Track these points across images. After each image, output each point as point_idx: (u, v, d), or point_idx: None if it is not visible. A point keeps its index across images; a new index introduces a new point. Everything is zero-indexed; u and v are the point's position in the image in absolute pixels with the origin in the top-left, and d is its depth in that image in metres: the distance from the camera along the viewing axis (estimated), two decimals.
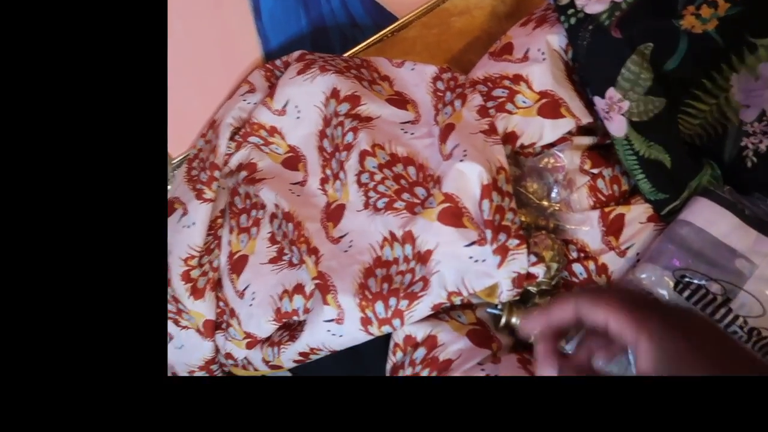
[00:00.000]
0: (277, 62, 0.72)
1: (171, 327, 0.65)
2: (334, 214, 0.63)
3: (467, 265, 0.54)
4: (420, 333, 0.57)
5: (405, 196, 0.60)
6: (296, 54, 0.71)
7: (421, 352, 0.56)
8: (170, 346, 0.65)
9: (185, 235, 0.64)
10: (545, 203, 0.61)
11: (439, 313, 0.58)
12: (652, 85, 0.56)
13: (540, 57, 0.60)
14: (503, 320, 0.57)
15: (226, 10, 0.69)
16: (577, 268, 0.59)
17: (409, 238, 0.57)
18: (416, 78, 0.68)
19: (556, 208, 0.61)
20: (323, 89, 0.66)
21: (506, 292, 0.54)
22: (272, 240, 0.64)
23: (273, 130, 0.68)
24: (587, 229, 0.60)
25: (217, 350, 0.64)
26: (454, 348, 0.55)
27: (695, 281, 0.53)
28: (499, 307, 0.58)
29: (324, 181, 0.66)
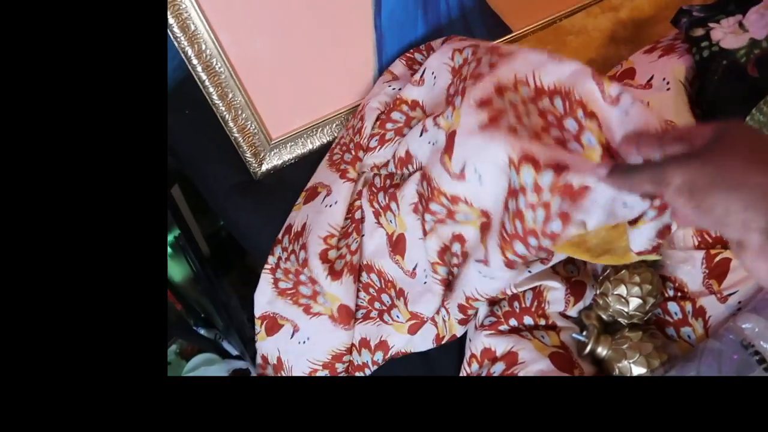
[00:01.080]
0: (417, 54, 0.72)
1: (299, 316, 0.64)
2: (397, 246, 0.63)
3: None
4: (500, 347, 0.56)
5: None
6: (439, 41, 0.70)
7: (499, 367, 0.55)
8: (293, 342, 0.64)
9: (326, 214, 0.65)
10: None
11: (522, 331, 0.57)
12: None
13: (664, 86, 0.59)
14: (588, 347, 0.56)
15: (351, 2, 0.71)
16: (672, 306, 0.57)
17: None
18: None
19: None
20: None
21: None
22: (416, 209, 0.59)
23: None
24: (689, 269, 0.57)
25: (351, 344, 0.63)
26: (535, 368, 0.54)
27: None
28: (585, 334, 0.56)
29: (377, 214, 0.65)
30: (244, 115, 0.73)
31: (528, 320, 0.57)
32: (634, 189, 0.42)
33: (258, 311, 0.69)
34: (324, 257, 0.63)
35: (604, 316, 0.57)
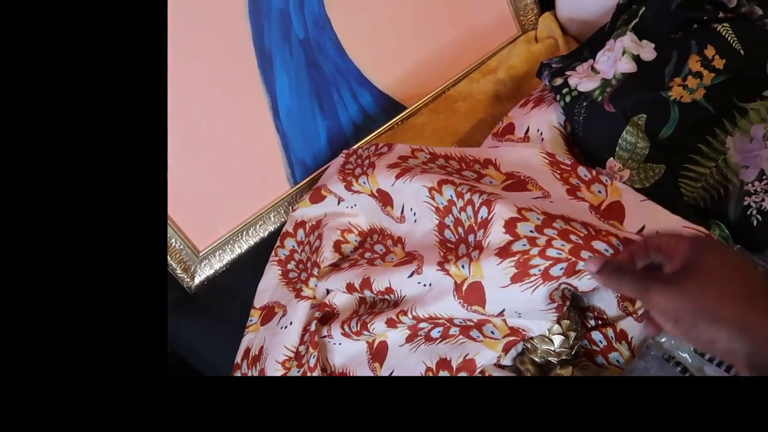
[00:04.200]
0: (348, 165, 0.72)
1: None
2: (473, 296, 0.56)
3: None
4: None
5: (585, 254, 0.52)
6: (340, 159, 0.73)
7: None
8: None
9: (282, 336, 0.64)
10: None
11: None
12: (650, 152, 0.59)
13: (539, 137, 0.64)
14: None
15: (249, 112, 0.76)
16: (596, 335, 0.59)
17: None
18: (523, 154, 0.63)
19: None
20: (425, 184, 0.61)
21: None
22: (392, 325, 0.60)
23: (398, 240, 0.66)
24: (603, 296, 0.60)
25: None
26: None
27: None
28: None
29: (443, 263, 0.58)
30: (167, 234, 0.75)
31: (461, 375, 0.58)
32: (619, 291, 0.47)
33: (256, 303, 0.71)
34: (285, 366, 0.63)
35: (536, 359, 0.59)
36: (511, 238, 0.54)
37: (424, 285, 0.58)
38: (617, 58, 0.62)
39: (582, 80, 0.63)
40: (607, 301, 0.60)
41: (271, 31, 0.74)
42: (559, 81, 0.64)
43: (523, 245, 0.53)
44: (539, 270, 0.53)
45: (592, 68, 0.64)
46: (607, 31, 0.68)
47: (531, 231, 0.53)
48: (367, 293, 0.63)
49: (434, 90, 0.84)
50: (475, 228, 0.57)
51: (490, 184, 0.62)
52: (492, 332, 0.57)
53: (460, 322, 0.59)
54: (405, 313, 0.58)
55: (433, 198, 0.61)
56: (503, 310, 0.55)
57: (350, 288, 0.63)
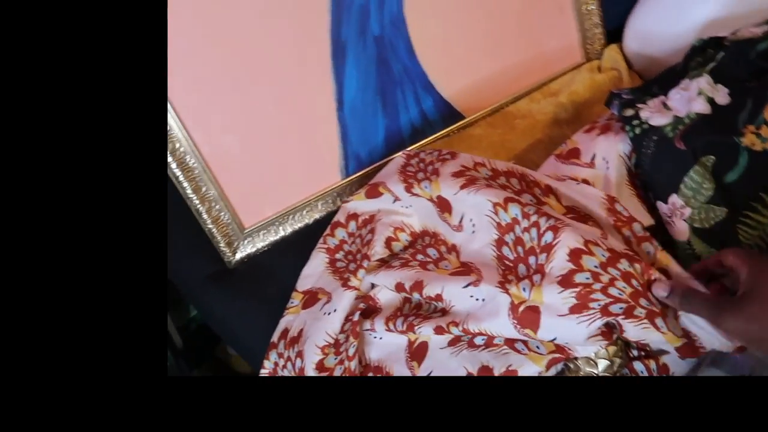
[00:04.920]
0: (409, 167, 0.72)
1: None
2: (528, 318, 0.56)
3: None
4: None
5: (643, 302, 0.53)
6: (400, 159, 0.73)
7: None
8: None
9: (324, 321, 0.65)
10: None
11: None
12: (714, 194, 0.60)
13: (605, 165, 0.65)
14: None
15: (315, 100, 0.77)
16: (638, 366, 0.60)
17: None
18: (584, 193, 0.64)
19: None
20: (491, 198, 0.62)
21: None
22: (440, 332, 0.61)
23: (453, 248, 0.67)
24: None
25: None
26: None
27: None
28: None
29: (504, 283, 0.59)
30: (217, 206, 0.76)
31: None
32: (691, 312, 0.52)
33: (299, 286, 0.71)
34: (321, 367, 0.63)
35: None
36: (575, 268, 0.54)
37: (477, 299, 0.59)
38: (692, 98, 0.63)
39: (653, 115, 0.64)
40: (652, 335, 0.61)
41: (349, 24, 0.76)
42: (629, 112, 0.65)
43: (586, 278, 0.54)
44: (599, 305, 0.53)
45: (664, 104, 0.65)
46: (679, 71, 0.69)
47: (595, 266, 0.54)
48: (415, 296, 0.63)
49: (494, 104, 0.86)
50: (537, 251, 0.58)
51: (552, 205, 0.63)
52: (537, 347, 0.58)
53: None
54: (456, 324, 0.59)
55: (496, 213, 0.62)
56: (554, 338, 0.56)
57: (399, 288, 0.64)
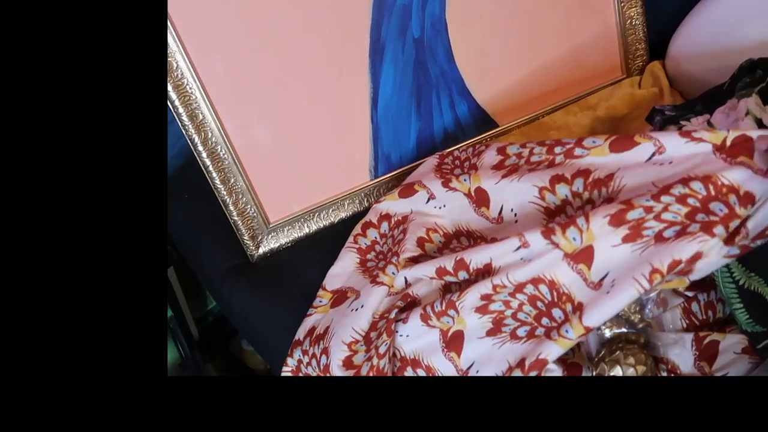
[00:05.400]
0: (444, 166, 0.72)
1: None
2: (582, 254, 0.55)
3: None
4: None
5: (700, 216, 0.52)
6: (434, 160, 0.73)
7: None
8: None
9: (351, 318, 0.64)
10: (636, 317, 0.61)
11: None
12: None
13: None
14: None
15: (349, 98, 0.76)
16: None
17: None
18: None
19: (649, 324, 0.60)
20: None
21: None
22: (482, 310, 0.60)
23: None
24: (679, 351, 0.59)
25: None
26: None
27: None
28: None
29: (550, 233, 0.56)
30: (244, 199, 0.76)
31: None
32: None
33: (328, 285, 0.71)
34: (348, 364, 0.62)
35: None
36: (624, 207, 0.53)
37: (529, 261, 0.57)
38: (739, 118, 0.61)
39: (699, 130, 0.62)
40: (683, 357, 0.59)
41: (390, 24, 0.75)
42: (673, 129, 0.64)
43: (639, 214, 0.53)
44: (652, 232, 0.52)
45: (708, 122, 0.63)
46: (725, 90, 0.67)
47: (647, 200, 0.53)
48: (462, 275, 0.61)
49: (529, 114, 0.84)
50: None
51: (594, 144, 0.60)
52: (567, 331, 0.56)
53: (545, 311, 0.58)
54: (503, 287, 0.57)
55: (543, 198, 0.60)
56: (606, 274, 0.54)
57: (440, 272, 0.62)
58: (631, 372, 0.56)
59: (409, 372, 0.63)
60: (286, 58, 0.72)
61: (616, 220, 0.53)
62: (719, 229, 0.51)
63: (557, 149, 0.63)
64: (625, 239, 0.53)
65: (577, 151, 0.62)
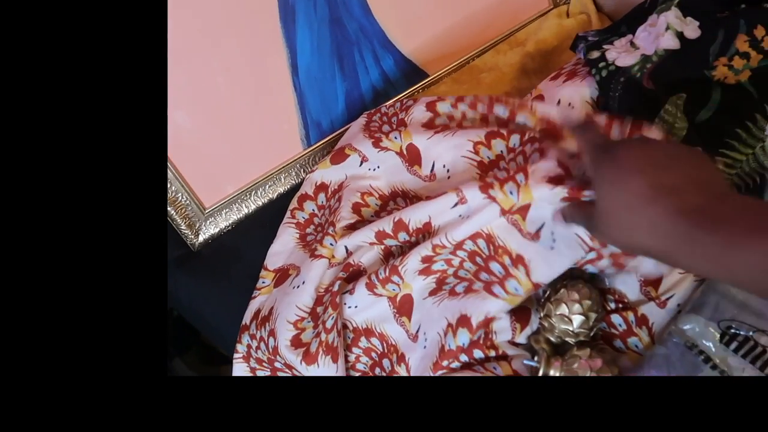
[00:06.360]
0: (373, 123, 0.70)
1: None
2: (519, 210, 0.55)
3: None
4: None
5: None
6: (362, 120, 0.71)
7: None
8: None
9: (293, 296, 0.62)
10: None
11: (473, 365, 0.57)
12: (687, 134, 0.56)
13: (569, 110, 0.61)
14: (541, 371, 0.55)
15: (267, 68, 0.73)
16: (615, 319, 0.57)
17: None
18: None
19: None
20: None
21: None
22: (425, 272, 0.59)
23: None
24: (625, 279, 0.58)
25: None
26: None
27: (742, 332, 0.51)
28: (536, 359, 0.56)
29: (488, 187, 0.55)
30: (173, 188, 0.73)
31: (478, 353, 0.56)
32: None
33: (269, 264, 0.69)
34: (296, 342, 0.60)
35: (552, 338, 0.57)
36: (564, 172, 0.51)
37: (468, 217, 0.56)
38: (660, 34, 0.59)
39: (620, 55, 0.60)
40: (629, 285, 0.58)
41: None
42: (595, 54, 0.62)
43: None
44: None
45: (631, 43, 0.61)
46: (647, 7, 0.65)
47: None
48: (402, 236, 0.60)
49: (459, 59, 0.81)
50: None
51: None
52: (515, 289, 0.55)
53: (484, 267, 0.57)
54: (442, 247, 0.56)
55: (477, 152, 0.59)
56: (542, 225, 0.53)
57: (380, 236, 0.60)
58: (576, 308, 0.55)
59: (363, 342, 0.62)
60: (191, 34, 0.67)
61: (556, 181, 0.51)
62: None
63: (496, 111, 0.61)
64: (565, 200, 0.51)
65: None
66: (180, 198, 0.73)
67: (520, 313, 0.58)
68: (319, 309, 0.62)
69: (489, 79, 0.78)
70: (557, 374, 0.55)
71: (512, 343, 0.58)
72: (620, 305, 0.58)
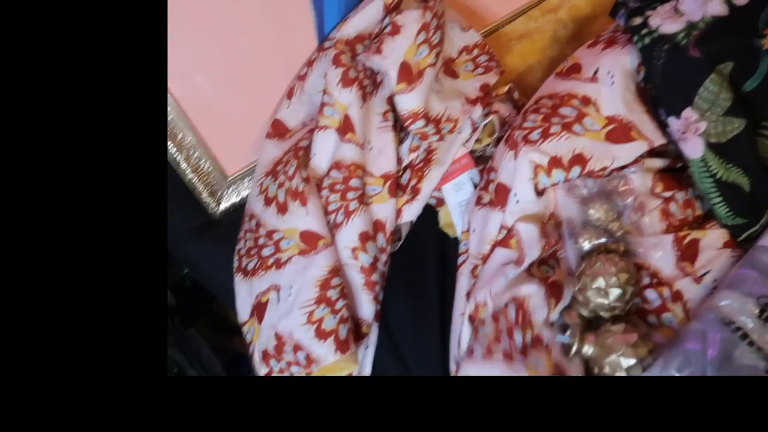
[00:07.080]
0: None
1: (274, 276, 0.63)
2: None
3: None
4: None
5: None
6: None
7: None
8: (282, 304, 0.62)
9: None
10: (614, 226, 0.59)
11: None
12: (732, 105, 0.55)
13: (609, 80, 0.59)
14: (574, 348, 0.54)
15: (293, 33, 0.70)
16: (650, 294, 0.56)
17: None
18: None
19: (627, 231, 0.58)
20: None
21: None
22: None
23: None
24: (660, 254, 0.57)
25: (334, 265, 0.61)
26: None
27: None
28: (569, 333, 0.55)
29: None
30: (196, 154, 0.71)
31: (518, 337, 0.55)
32: None
33: (243, 316, 0.67)
34: (268, 200, 0.65)
35: (585, 313, 0.56)
36: None
37: None
38: (707, 0, 0.57)
39: (665, 21, 0.58)
40: (664, 260, 0.57)
41: None
42: (637, 20, 0.59)
43: None
44: None
45: (676, 9, 0.59)
46: None
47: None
48: None
49: (488, 26, 0.79)
50: None
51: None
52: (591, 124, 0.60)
53: None
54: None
55: None
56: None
57: None
58: (613, 281, 0.54)
59: (334, 173, 0.65)
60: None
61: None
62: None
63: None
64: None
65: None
66: (202, 165, 0.72)
67: (552, 288, 0.57)
68: (279, 167, 0.66)
69: (519, 48, 0.76)
70: (591, 349, 0.54)
71: (547, 324, 0.56)
72: (655, 280, 0.57)
